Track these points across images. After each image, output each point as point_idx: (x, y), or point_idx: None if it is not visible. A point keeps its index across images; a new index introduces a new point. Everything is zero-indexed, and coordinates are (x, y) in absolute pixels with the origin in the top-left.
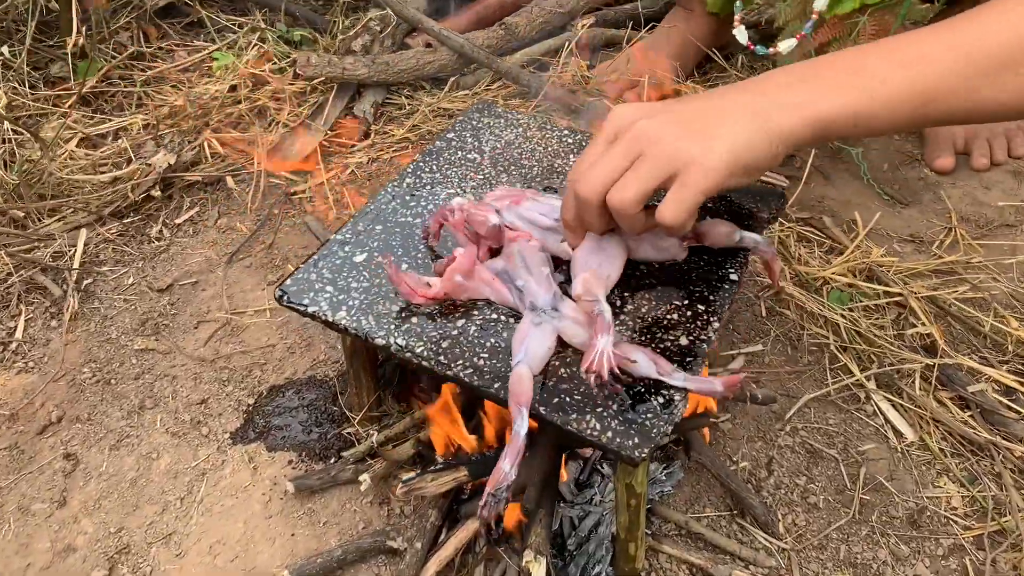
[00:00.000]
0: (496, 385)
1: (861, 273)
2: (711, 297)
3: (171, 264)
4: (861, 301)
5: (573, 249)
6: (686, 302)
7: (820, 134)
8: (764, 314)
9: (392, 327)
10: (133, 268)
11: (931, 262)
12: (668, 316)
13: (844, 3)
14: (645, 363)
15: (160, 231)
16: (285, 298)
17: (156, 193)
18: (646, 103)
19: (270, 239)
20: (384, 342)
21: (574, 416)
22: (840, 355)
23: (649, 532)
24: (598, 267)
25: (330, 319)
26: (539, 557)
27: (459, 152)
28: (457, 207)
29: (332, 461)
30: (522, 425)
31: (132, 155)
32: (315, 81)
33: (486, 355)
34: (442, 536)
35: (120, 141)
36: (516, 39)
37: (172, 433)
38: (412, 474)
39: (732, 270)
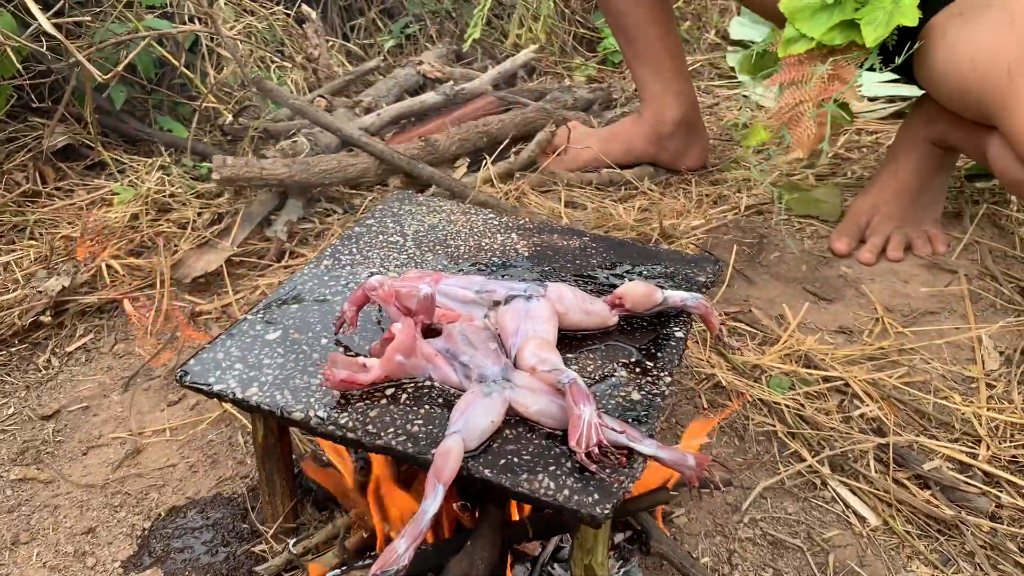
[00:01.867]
0: (433, 451)
1: (798, 361)
2: (658, 354)
3: (59, 391)
4: (802, 387)
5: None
6: (633, 359)
7: None
8: (706, 406)
9: (312, 400)
10: (14, 398)
11: (866, 348)
12: (616, 373)
13: (795, 45)
14: (616, 432)
15: (48, 360)
16: (188, 378)
17: (46, 319)
18: None
19: (172, 362)
20: (303, 416)
21: (524, 476)
22: (789, 441)
23: None
24: (535, 332)
25: (239, 396)
26: None
27: (380, 236)
28: (378, 283)
29: None
30: (432, 504)
31: (21, 281)
32: (230, 184)
33: (420, 422)
34: None
35: (9, 273)
36: (436, 152)
37: (50, 568)
38: (337, 571)
39: (677, 328)
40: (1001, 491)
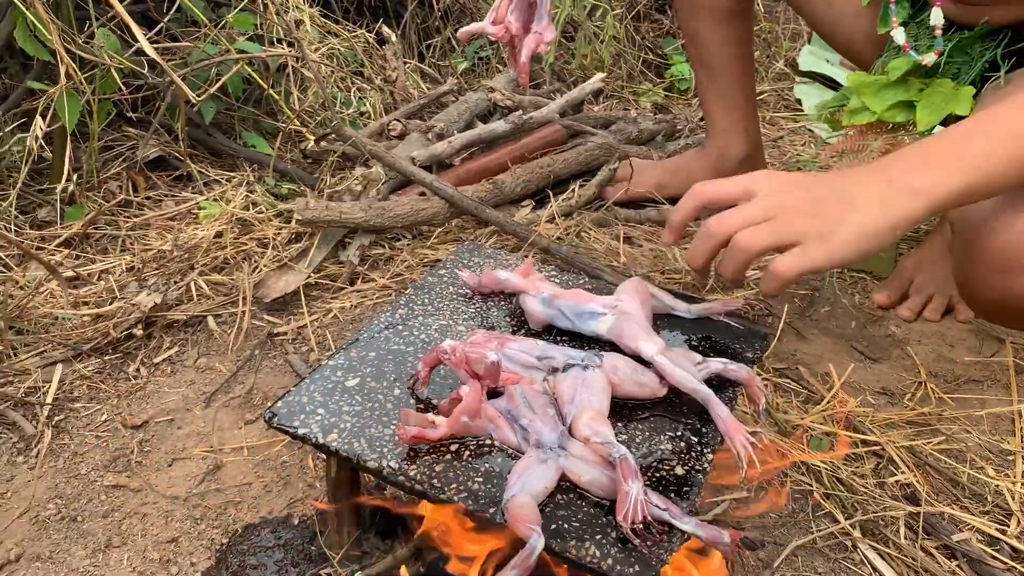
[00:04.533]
0: (492, 510)
1: (838, 422)
2: (703, 429)
3: (147, 402)
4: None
5: (668, 245)
6: (679, 433)
7: (934, 214)
8: (747, 481)
9: (384, 450)
10: (107, 405)
11: (905, 413)
12: (662, 447)
13: (859, 116)
14: (660, 508)
15: (138, 369)
16: (275, 420)
17: (138, 332)
18: (783, 174)
19: (250, 380)
20: (376, 465)
21: (573, 543)
22: (824, 502)
23: None
24: (589, 402)
25: (320, 441)
26: None
27: (450, 287)
28: (450, 348)
29: None
30: (537, 543)
31: (117, 294)
32: (309, 225)
33: (480, 479)
34: None
35: (103, 282)
36: (503, 193)
37: (139, 572)
38: None
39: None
40: None
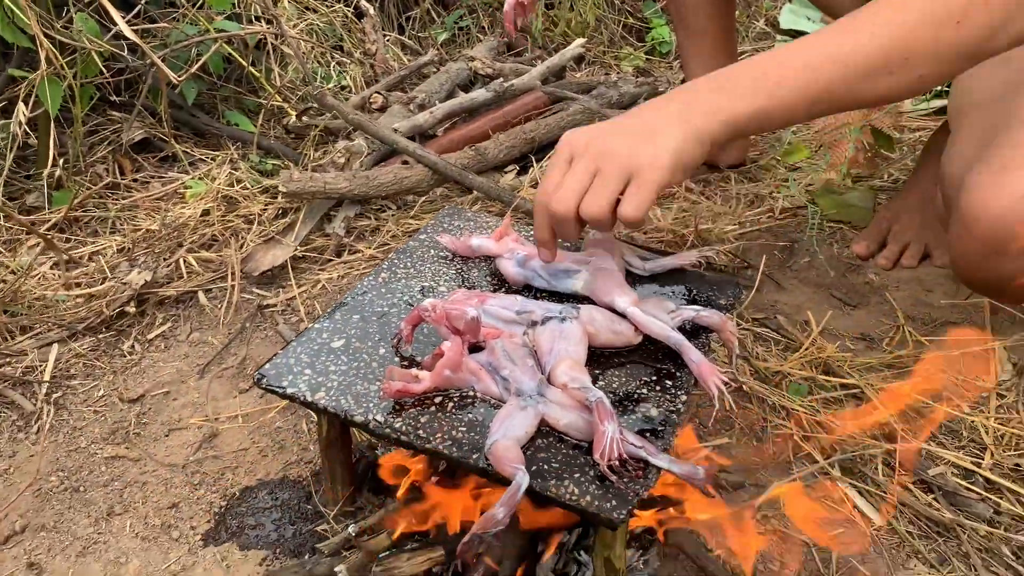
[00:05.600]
0: (475, 456)
1: (817, 367)
2: (677, 373)
3: (142, 376)
4: (820, 393)
5: (546, 262)
6: (654, 378)
7: (733, 131)
8: (728, 407)
9: (370, 405)
10: (104, 381)
11: (884, 357)
12: (639, 391)
13: None
14: (637, 447)
15: (132, 346)
16: (264, 381)
17: (131, 309)
18: (591, 125)
19: (242, 351)
20: (363, 419)
21: (553, 482)
22: (803, 444)
23: None
24: (567, 352)
25: (309, 399)
26: None
27: (431, 251)
28: (431, 306)
29: (307, 557)
30: (522, 480)
31: (108, 274)
32: (296, 196)
33: (464, 428)
34: None
35: (94, 263)
36: (486, 160)
37: (142, 538)
38: (386, 551)
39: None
40: (1001, 498)
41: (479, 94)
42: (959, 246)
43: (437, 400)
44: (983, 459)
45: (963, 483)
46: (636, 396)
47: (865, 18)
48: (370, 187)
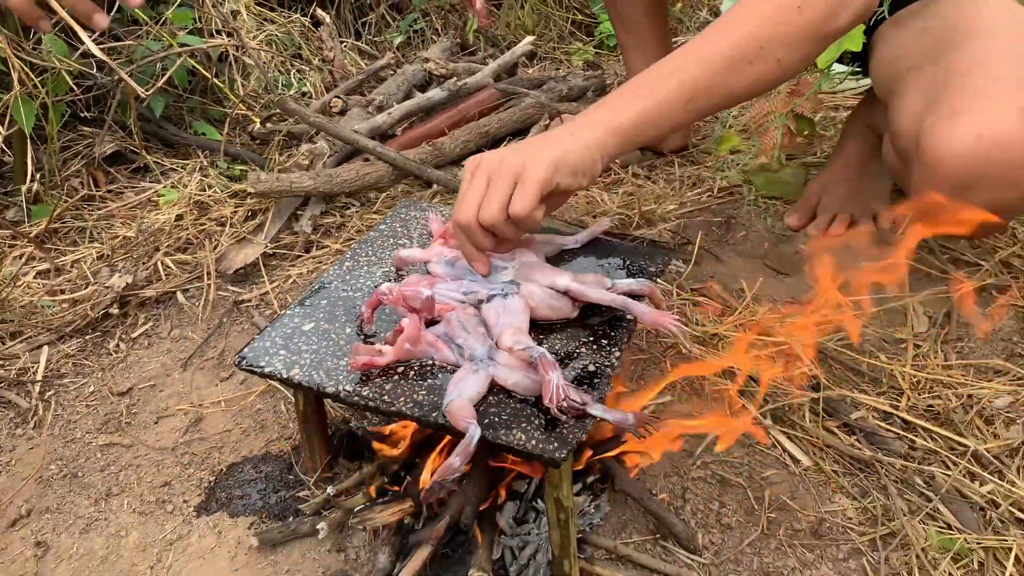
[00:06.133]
0: (434, 414)
1: (750, 328)
2: (612, 333)
3: (129, 372)
4: (754, 352)
5: (484, 276)
6: (591, 338)
7: (621, 140)
8: (669, 369)
9: (340, 378)
10: (93, 378)
11: (811, 316)
12: (577, 350)
13: None
14: (577, 395)
15: (117, 344)
16: (244, 362)
17: (114, 311)
18: (503, 148)
19: (221, 343)
20: (334, 390)
21: (503, 432)
22: (739, 399)
23: (583, 557)
24: (511, 322)
25: (284, 376)
26: (482, 575)
27: (391, 239)
28: (387, 289)
29: (290, 519)
30: (474, 432)
31: (91, 279)
32: (263, 196)
33: (424, 392)
34: (396, 569)
35: (76, 270)
36: (443, 154)
37: (139, 513)
38: (361, 506)
39: (627, 313)
40: (916, 436)
41: (434, 94)
42: (926, 190)
43: (400, 370)
44: (900, 403)
45: (882, 424)
46: (575, 355)
47: (722, 20)
48: (334, 184)
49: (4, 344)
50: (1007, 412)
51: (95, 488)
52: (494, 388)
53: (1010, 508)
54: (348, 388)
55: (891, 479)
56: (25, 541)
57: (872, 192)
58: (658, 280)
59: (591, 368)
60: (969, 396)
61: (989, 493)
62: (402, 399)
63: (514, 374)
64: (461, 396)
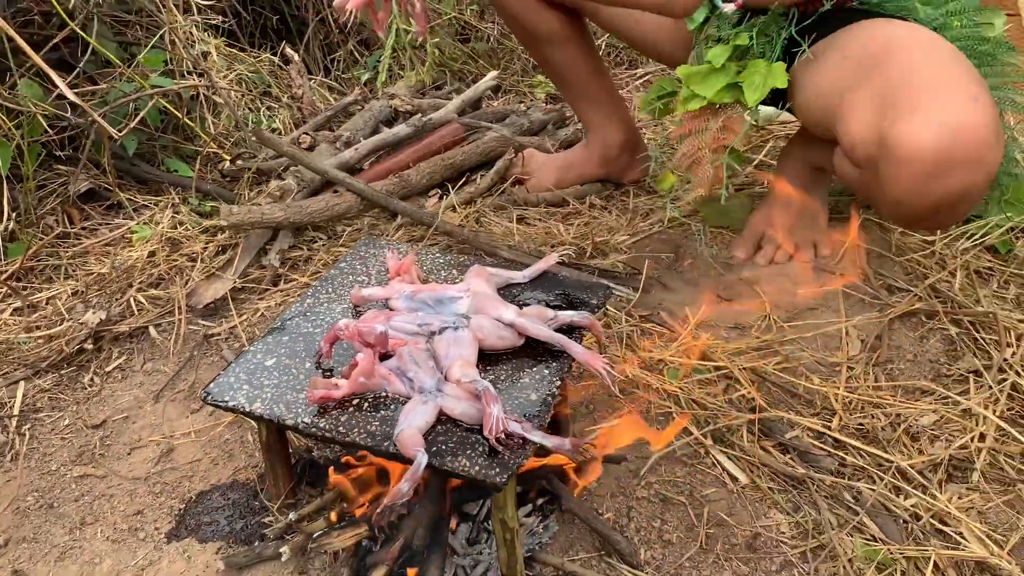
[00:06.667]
0: (386, 443)
1: (693, 354)
2: (554, 364)
3: (103, 405)
4: (696, 375)
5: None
6: (535, 368)
7: None
8: (618, 393)
9: (299, 411)
10: (68, 411)
11: (752, 342)
12: (521, 381)
13: (691, 102)
14: (516, 425)
15: (91, 378)
16: (209, 397)
17: (88, 346)
18: None
19: (192, 376)
20: (293, 422)
21: (448, 458)
22: (682, 420)
23: (532, 574)
24: (460, 355)
25: (247, 409)
26: None
27: (350, 276)
28: (344, 325)
29: (256, 543)
30: (422, 459)
31: (65, 316)
32: (236, 228)
33: (377, 423)
34: None
35: (51, 307)
36: (409, 186)
37: (112, 541)
38: (320, 531)
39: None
40: (847, 454)
41: (400, 129)
42: (898, 187)
43: (355, 402)
44: (832, 423)
45: (815, 443)
46: (519, 385)
47: None
48: (304, 215)
49: None
50: (932, 430)
51: (70, 518)
52: (442, 418)
53: (931, 520)
54: (306, 420)
55: (822, 495)
56: (3, 570)
57: (813, 222)
58: (606, 310)
59: (533, 397)
60: (897, 415)
61: (912, 506)
62: (356, 430)
63: (460, 404)
64: (411, 426)
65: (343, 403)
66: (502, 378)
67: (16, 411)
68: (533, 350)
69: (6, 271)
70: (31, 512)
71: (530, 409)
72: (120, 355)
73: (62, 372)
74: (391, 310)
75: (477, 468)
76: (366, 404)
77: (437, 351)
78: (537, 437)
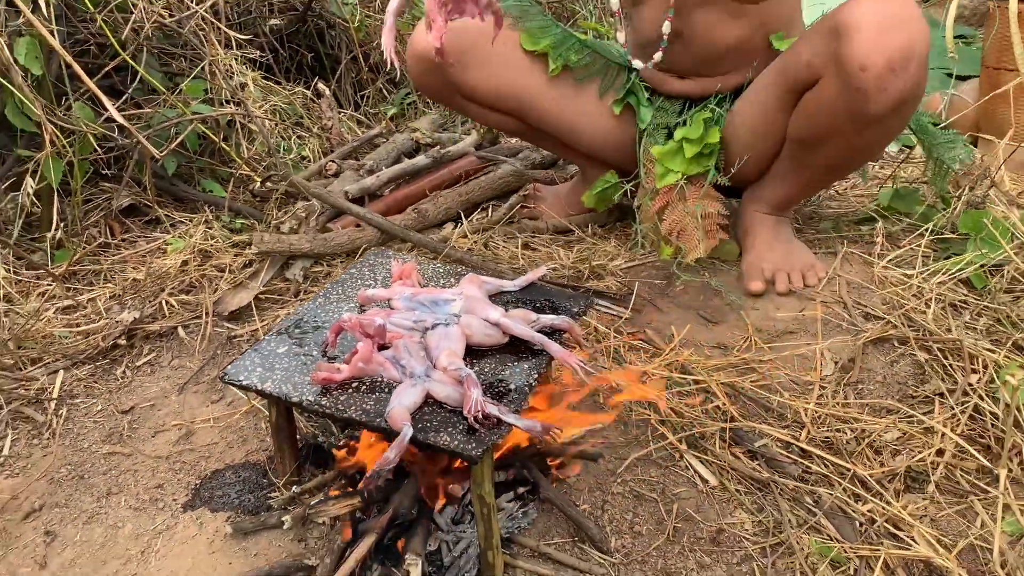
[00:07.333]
0: (378, 420)
1: (676, 368)
2: (533, 360)
3: (132, 394)
4: (676, 387)
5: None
6: (516, 362)
7: None
8: (603, 401)
9: (304, 390)
10: (101, 399)
11: (730, 359)
12: (503, 372)
13: (667, 177)
14: (493, 407)
15: (124, 371)
16: (227, 377)
17: (122, 342)
18: None
19: (214, 372)
20: (298, 399)
21: (432, 433)
22: (660, 427)
23: (508, 553)
24: (448, 347)
25: (259, 388)
26: (415, 558)
27: (359, 281)
28: (347, 317)
29: (262, 513)
30: (407, 431)
31: (103, 314)
32: (265, 254)
33: (372, 402)
34: (346, 554)
35: (90, 307)
36: (426, 220)
37: (134, 508)
38: (317, 499)
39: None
40: (811, 463)
41: (419, 160)
42: (853, 57)
43: (354, 385)
44: (800, 434)
45: (783, 452)
46: (501, 375)
47: None
48: (327, 247)
49: (25, 368)
50: (894, 445)
51: (97, 488)
52: (429, 400)
53: (885, 524)
54: (310, 398)
55: (784, 497)
56: (37, 531)
57: (795, 258)
58: (585, 316)
59: (511, 386)
60: (863, 431)
61: (869, 511)
62: (353, 407)
63: (445, 388)
64: (400, 404)
65: (343, 385)
66: (486, 370)
67: (55, 396)
68: (516, 348)
69: (56, 271)
70: (63, 482)
71: (508, 396)
72: (150, 351)
73: (97, 364)
74: (392, 309)
75: (456, 443)
76: (363, 387)
77: (429, 344)
78: (511, 419)
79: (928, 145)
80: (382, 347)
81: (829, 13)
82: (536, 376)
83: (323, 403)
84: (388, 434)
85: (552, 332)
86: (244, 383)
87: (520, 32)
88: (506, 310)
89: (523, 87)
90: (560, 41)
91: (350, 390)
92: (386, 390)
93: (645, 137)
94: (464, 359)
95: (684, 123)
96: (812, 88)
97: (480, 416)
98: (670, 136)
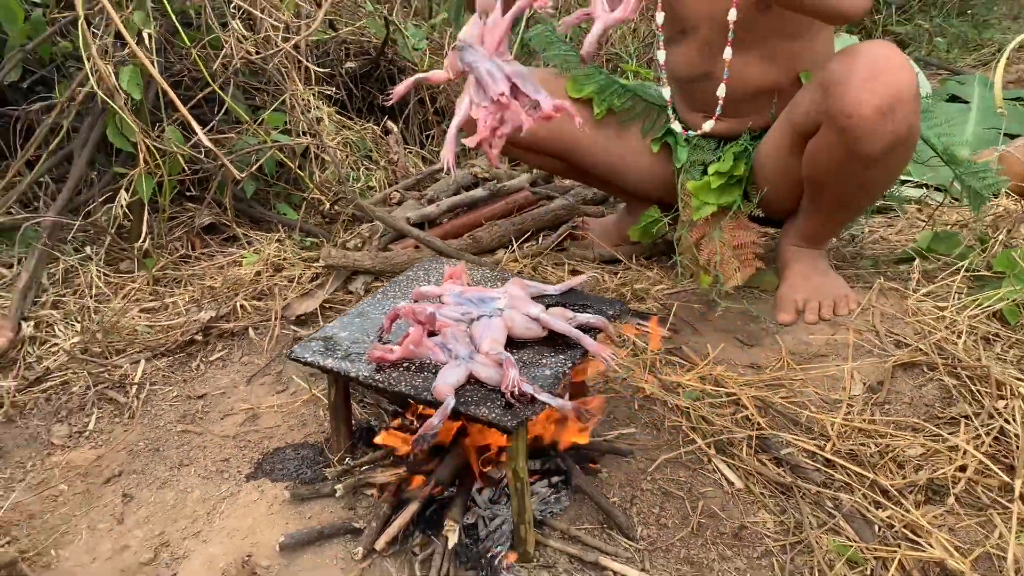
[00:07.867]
0: (425, 394)
1: (709, 381)
2: (568, 351)
3: (205, 383)
4: (708, 398)
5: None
6: (552, 354)
7: None
8: (636, 408)
9: (361, 367)
10: (176, 386)
11: (763, 376)
12: (540, 360)
13: (703, 209)
14: (528, 386)
15: (198, 364)
16: (293, 354)
17: (198, 338)
18: None
19: (279, 367)
20: (356, 374)
21: (472, 407)
22: (691, 433)
23: (540, 533)
24: (491, 335)
25: (321, 364)
26: (453, 524)
27: (414, 282)
28: (402, 306)
29: (317, 484)
30: (451, 401)
31: (183, 314)
32: (331, 268)
33: (421, 380)
34: (391, 520)
35: (171, 308)
36: (480, 245)
37: (203, 477)
38: (364, 467)
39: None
40: (835, 471)
41: (476, 192)
42: (846, 101)
43: (405, 365)
44: (825, 445)
45: (807, 460)
46: (537, 362)
47: None
48: (387, 265)
49: (111, 358)
50: (918, 460)
51: (171, 460)
52: (471, 380)
53: (903, 529)
54: (365, 373)
55: (807, 501)
56: (116, 493)
57: (829, 288)
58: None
59: (547, 372)
60: (887, 445)
61: (888, 517)
62: (403, 383)
63: (487, 370)
64: (445, 381)
65: (395, 365)
66: (524, 358)
67: (136, 381)
68: (554, 341)
69: (139, 280)
70: (141, 454)
71: (543, 380)
72: (223, 348)
73: (175, 357)
74: (442, 303)
75: (494, 415)
76: (413, 367)
77: (473, 333)
78: (545, 397)
79: (960, 174)
80: (431, 334)
81: (821, 67)
82: (570, 365)
83: (377, 378)
84: (434, 407)
85: (587, 331)
86: (308, 359)
87: (566, 80)
88: (545, 308)
89: (569, 131)
90: (604, 87)
91: (401, 368)
92: (433, 371)
93: (682, 173)
94: (505, 348)
95: (719, 159)
96: (815, 135)
97: (516, 392)
98: (705, 172)
